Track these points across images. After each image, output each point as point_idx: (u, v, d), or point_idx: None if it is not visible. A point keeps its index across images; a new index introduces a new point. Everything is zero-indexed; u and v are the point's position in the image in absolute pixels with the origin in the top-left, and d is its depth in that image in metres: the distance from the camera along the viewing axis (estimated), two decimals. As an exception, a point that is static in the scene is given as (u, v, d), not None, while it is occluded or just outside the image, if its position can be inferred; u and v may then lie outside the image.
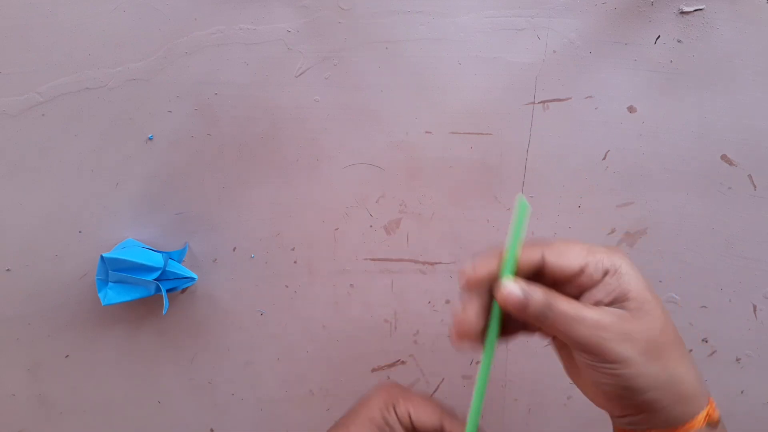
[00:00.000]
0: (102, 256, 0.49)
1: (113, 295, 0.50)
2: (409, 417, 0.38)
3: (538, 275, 0.33)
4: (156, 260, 0.49)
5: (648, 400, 0.31)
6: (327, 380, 0.57)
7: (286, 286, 0.55)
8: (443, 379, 0.56)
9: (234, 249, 0.54)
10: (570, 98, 0.53)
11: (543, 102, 0.53)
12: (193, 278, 0.52)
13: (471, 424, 0.34)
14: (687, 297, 0.55)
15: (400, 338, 0.56)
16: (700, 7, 0.52)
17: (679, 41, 0.52)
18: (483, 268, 0.33)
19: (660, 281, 0.55)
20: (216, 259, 0.54)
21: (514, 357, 0.56)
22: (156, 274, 0.49)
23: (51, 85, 0.52)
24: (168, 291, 0.51)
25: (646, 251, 0.54)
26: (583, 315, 0.31)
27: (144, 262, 0.49)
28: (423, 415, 0.38)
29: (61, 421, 0.55)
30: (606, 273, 0.32)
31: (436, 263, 0.55)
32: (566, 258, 0.32)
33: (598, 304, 0.32)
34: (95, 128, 0.53)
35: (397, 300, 0.56)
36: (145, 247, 0.52)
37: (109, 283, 0.50)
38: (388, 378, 0.57)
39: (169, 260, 0.51)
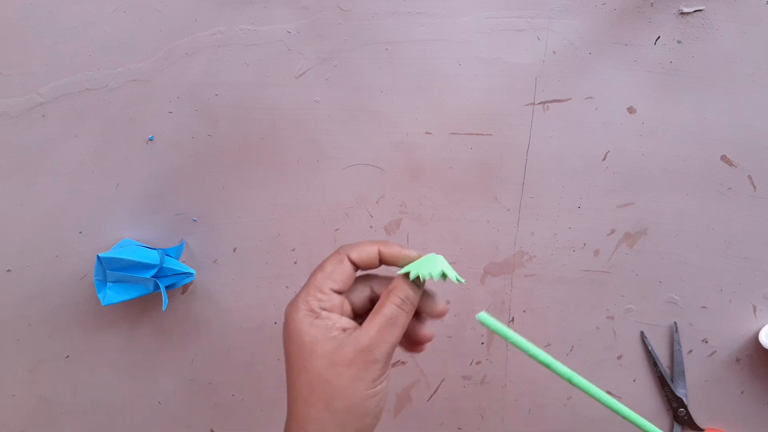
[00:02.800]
0: (98, 256, 0.49)
1: (113, 295, 0.50)
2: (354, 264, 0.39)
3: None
4: (152, 257, 0.49)
5: None
6: (327, 381, 0.57)
7: (287, 287, 0.55)
8: (443, 379, 0.56)
9: (234, 249, 0.54)
10: (570, 99, 0.53)
11: (543, 103, 0.53)
12: (192, 273, 0.52)
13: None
14: (687, 297, 0.55)
15: (400, 339, 0.56)
16: (700, 7, 0.52)
17: (678, 42, 0.52)
18: None
19: (660, 281, 0.55)
20: (216, 260, 0.54)
21: (515, 358, 0.56)
22: (153, 271, 0.49)
23: (51, 86, 0.52)
24: (167, 288, 0.51)
25: (646, 251, 0.54)
26: None
27: (141, 259, 0.49)
28: (362, 253, 0.39)
29: (61, 421, 0.55)
30: None
31: (436, 264, 0.55)
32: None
33: None
34: (95, 129, 0.53)
35: (397, 300, 0.56)
36: (141, 246, 0.52)
37: (108, 283, 0.50)
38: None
39: (167, 257, 0.51)
